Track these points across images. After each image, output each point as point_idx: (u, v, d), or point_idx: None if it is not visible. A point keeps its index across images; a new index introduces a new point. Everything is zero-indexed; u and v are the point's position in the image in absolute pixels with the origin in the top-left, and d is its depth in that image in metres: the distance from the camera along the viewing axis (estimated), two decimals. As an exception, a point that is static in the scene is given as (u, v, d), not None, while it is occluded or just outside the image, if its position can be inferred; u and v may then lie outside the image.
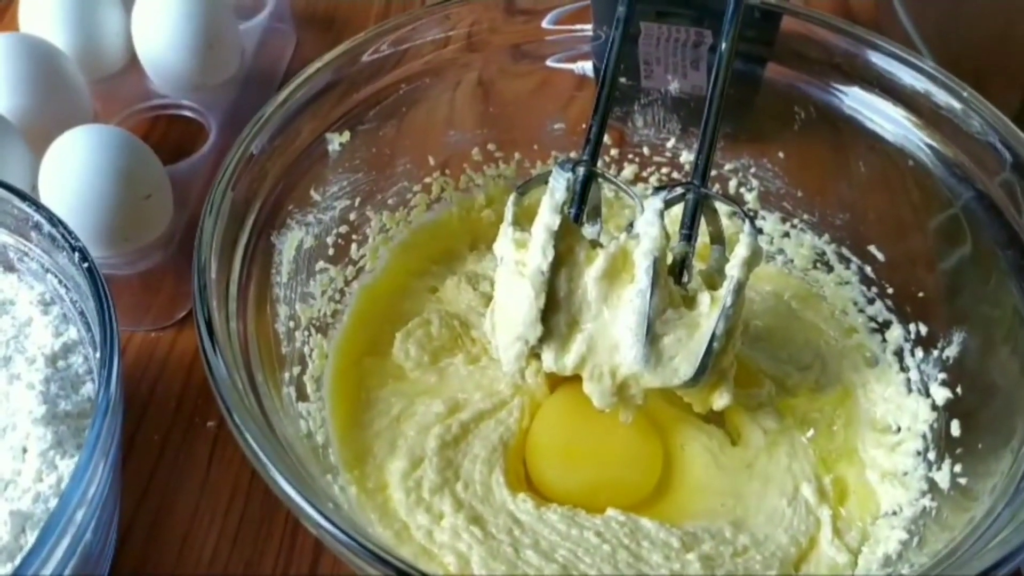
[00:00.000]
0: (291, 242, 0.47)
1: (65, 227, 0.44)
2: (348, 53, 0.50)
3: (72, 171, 0.51)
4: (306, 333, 0.48)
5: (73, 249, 0.43)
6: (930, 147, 0.48)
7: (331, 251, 0.51)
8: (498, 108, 0.56)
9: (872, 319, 0.52)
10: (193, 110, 0.65)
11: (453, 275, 0.55)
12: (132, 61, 0.65)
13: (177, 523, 0.47)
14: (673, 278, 0.43)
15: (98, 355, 0.40)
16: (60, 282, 0.47)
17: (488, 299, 0.52)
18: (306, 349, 0.48)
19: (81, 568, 0.38)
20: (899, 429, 0.48)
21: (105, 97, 0.64)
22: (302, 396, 0.46)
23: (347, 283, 0.52)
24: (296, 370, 0.46)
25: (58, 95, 0.58)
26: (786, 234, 0.55)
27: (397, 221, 0.54)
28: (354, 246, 0.52)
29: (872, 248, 0.52)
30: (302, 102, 0.48)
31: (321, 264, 0.50)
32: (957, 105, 0.47)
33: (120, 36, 0.65)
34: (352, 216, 0.52)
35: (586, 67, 0.56)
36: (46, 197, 0.51)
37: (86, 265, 0.43)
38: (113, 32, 0.64)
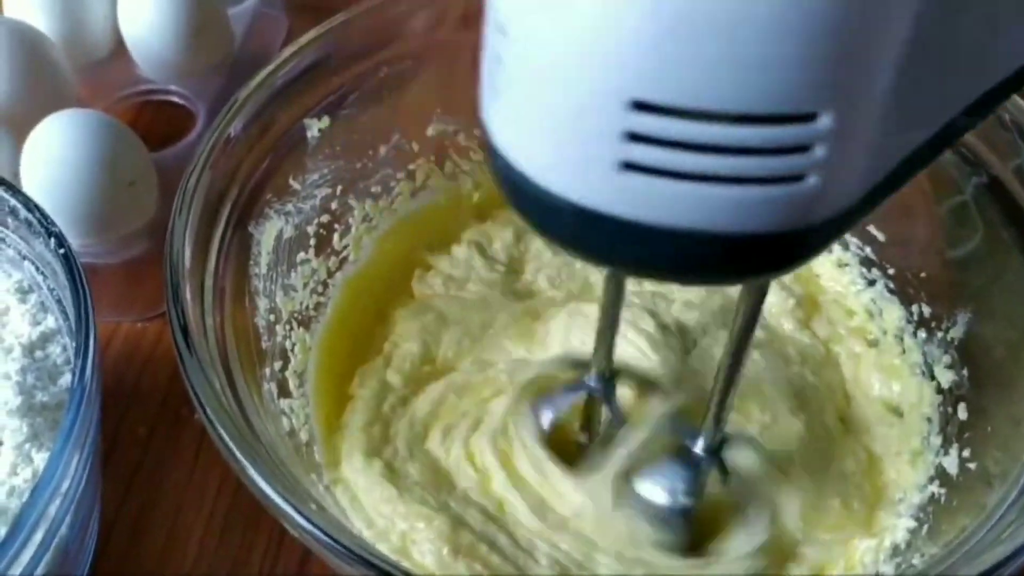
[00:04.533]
0: (270, 232, 0.46)
1: (41, 212, 0.43)
2: (327, 35, 0.48)
3: (52, 157, 0.50)
4: (288, 327, 0.47)
5: (49, 235, 0.42)
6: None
7: (312, 241, 0.49)
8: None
9: (872, 301, 0.51)
10: (181, 96, 0.64)
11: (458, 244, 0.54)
12: (119, 47, 0.63)
13: (162, 518, 0.47)
14: None
15: (74, 343, 0.40)
16: (37, 269, 0.46)
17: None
18: (288, 343, 0.46)
19: (58, 564, 0.38)
20: (903, 413, 0.47)
21: (91, 83, 0.63)
22: (284, 392, 0.44)
23: (330, 274, 0.50)
24: (277, 365, 0.45)
25: (42, 81, 0.57)
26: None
27: (381, 210, 0.53)
28: (336, 236, 0.51)
29: (872, 228, 0.50)
30: (278, 86, 0.46)
31: (302, 255, 0.49)
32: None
33: (106, 21, 0.63)
34: (334, 205, 0.50)
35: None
36: (27, 184, 0.50)
37: (62, 251, 0.42)
38: (99, 17, 0.63)
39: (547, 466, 0.42)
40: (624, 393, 0.43)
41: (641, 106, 0.23)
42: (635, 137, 0.23)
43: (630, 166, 0.24)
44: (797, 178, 0.24)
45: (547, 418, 0.43)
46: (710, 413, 0.38)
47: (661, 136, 0.23)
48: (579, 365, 0.43)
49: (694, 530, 0.41)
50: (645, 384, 0.44)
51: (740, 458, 0.42)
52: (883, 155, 0.26)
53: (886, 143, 0.25)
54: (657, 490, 0.40)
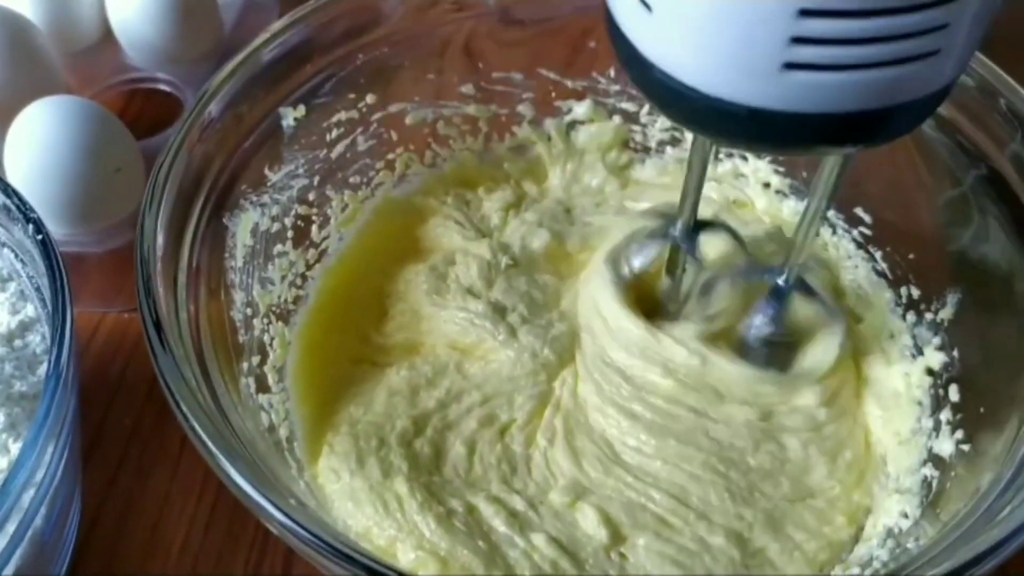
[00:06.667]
0: (245, 224, 0.45)
1: (19, 197, 0.43)
2: (301, 21, 0.47)
3: (37, 143, 0.49)
4: (265, 321, 0.46)
5: (27, 220, 0.42)
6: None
7: (290, 233, 0.49)
8: (463, 79, 0.54)
9: (860, 284, 0.50)
10: (170, 84, 0.63)
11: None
12: (107, 34, 0.63)
13: (147, 512, 0.46)
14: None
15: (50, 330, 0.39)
16: (16, 256, 0.45)
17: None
18: (266, 337, 0.46)
19: (34, 557, 0.38)
20: (895, 395, 0.46)
21: (79, 71, 0.63)
22: (262, 388, 0.44)
23: (309, 267, 0.50)
24: (255, 360, 0.44)
25: (29, 69, 0.57)
26: (770, 200, 0.54)
27: (360, 200, 0.52)
28: (315, 228, 0.50)
29: (859, 211, 0.50)
30: (251, 74, 0.46)
31: (280, 247, 0.48)
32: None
33: (94, 8, 0.63)
34: (311, 196, 0.50)
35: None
36: (11, 172, 0.50)
37: (40, 237, 0.41)
38: (87, 4, 0.63)
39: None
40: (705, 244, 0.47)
41: (807, 13, 0.28)
42: (800, 40, 0.28)
43: (793, 65, 0.29)
44: (934, 53, 0.29)
45: (635, 265, 0.48)
46: (795, 250, 0.43)
47: (825, 36, 0.28)
48: (666, 216, 0.48)
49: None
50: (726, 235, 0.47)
51: (813, 280, 0.46)
52: (985, 24, 0.31)
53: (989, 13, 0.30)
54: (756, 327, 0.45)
